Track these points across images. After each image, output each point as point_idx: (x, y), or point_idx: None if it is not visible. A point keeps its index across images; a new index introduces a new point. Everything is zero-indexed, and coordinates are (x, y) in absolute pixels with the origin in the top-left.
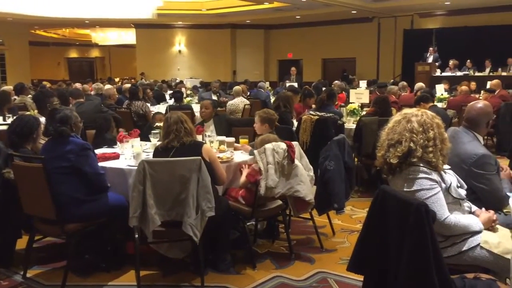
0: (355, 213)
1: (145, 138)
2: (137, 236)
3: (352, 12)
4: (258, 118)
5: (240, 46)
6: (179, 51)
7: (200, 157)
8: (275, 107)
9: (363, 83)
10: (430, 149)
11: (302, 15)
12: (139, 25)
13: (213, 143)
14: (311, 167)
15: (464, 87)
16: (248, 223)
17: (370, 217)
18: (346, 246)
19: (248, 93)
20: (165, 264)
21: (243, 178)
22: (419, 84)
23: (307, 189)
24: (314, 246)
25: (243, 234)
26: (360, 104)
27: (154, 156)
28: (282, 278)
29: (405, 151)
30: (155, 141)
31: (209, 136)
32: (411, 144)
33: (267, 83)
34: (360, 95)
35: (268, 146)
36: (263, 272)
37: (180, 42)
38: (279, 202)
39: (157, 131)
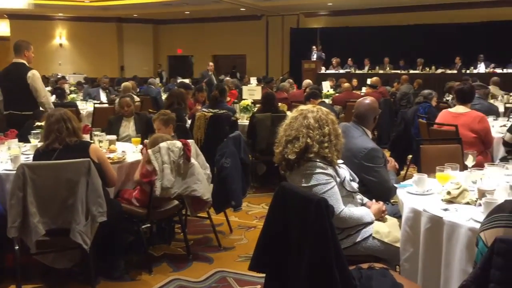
0: (251, 209)
1: (24, 139)
2: (17, 247)
3: (241, 9)
4: (160, 122)
5: (128, 41)
6: (60, 45)
7: (89, 159)
8: (169, 104)
9: (253, 80)
10: (326, 144)
11: (191, 10)
12: (13, 16)
13: (102, 142)
14: (208, 165)
15: (346, 84)
16: (143, 226)
17: (271, 214)
18: (244, 243)
19: (138, 90)
20: (51, 275)
21: (136, 177)
22: (307, 81)
23: (204, 188)
24: (212, 245)
25: (138, 238)
26: (252, 101)
27: (34, 159)
28: (180, 281)
29: (303, 147)
30: (35, 142)
31: (97, 135)
32: (308, 140)
33: (157, 79)
34: (252, 91)
35: (163, 145)
36: (160, 276)
37: (61, 35)
38: (176, 202)
39: (37, 131)
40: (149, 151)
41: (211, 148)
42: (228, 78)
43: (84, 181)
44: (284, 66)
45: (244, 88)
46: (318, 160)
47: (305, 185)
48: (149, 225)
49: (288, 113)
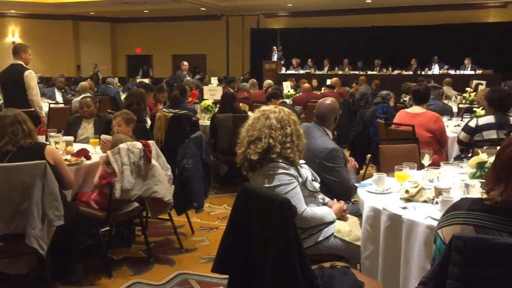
0: (213, 210)
1: None
2: None
3: (201, 9)
4: (123, 119)
5: (84, 40)
6: (13, 43)
7: (44, 161)
8: (128, 104)
9: (214, 80)
10: (288, 145)
11: (150, 9)
12: None
13: (58, 144)
14: (169, 166)
15: (306, 85)
16: (102, 229)
17: (234, 215)
18: (206, 244)
19: (96, 89)
20: (4, 281)
21: (95, 179)
22: (268, 81)
23: (165, 189)
24: (174, 247)
25: (97, 241)
26: (214, 101)
27: None
28: (141, 284)
29: (265, 148)
30: None
31: (53, 136)
32: (270, 140)
33: (116, 79)
34: (213, 91)
35: (123, 146)
36: (120, 280)
37: (14, 33)
38: (136, 204)
39: None
40: (108, 152)
41: (172, 149)
42: (189, 78)
43: (39, 184)
44: (245, 66)
45: (205, 88)
46: (280, 161)
47: (268, 185)
48: (108, 228)
49: (250, 113)
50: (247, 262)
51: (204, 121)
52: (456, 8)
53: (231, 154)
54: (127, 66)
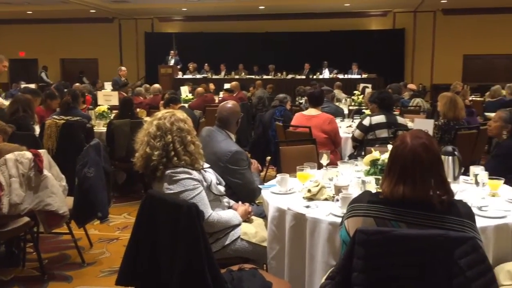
0: (113, 220)
1: None
2: None
3: (91, 11)
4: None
5: None
6: None
7: None
8: (13, 111)
9: (108, 85)
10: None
11: (34, 10)
12: None
13: None
14: (63, 176)
15: (199, 89)
16: None
17: (138, 224)
18: (107, 256)
19: None
20: None
21: None
22: (156, 86)
23: (59, 201)
24: (71, 262)
25: None
26: (109, 106)
27: None
28: None
29: (164, 154)
30: None
31: None
32: (170, 146)
33: None
34: (109, 97)
35: (10, 156)
36: None
37: None
38: (26, 219)
39: None
40: None
41: (66, 157)
42: (77, 84)
43: None
44: (140, 71)
45: (99, 93)
46: (184, 166)
47: (172, 191)
48: None
49: (147, 118)
50: (153, 270)
51: (100, 127)
52: (342, 16)
53: (129, 161)
54: (9, 71)
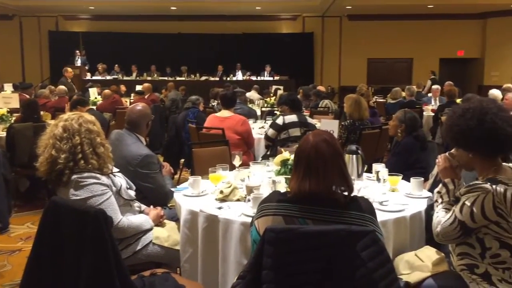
0: (15, 231)
1: None
2: None
3: None
4: None
5: None
6: None
7: None
8: None
9: (8, 86)
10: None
11: None
12: None
13: None
14: None
15: (106, 91)
16: None
17: (41, 233)
18: (8, 269)
19: None
20: None
21: None
22: (61, 87)
23: None
24: None
25: None
26: (9, 109)
27: None
28: None
29: (71, 157)
30: None
31: None
32: (78, 148)
33: None
34: (8, 99)
35: None
36: None
37: None
38: None
39: None
40: None
41: None
42: None
43: None
44: (44, 71)
45: None
46: (91, 170)
47: (79, 197)
48: None
49: (51, 122)
50: (58, 282)
51: None
52: (254, 19)
53: (33, 168)
54: None
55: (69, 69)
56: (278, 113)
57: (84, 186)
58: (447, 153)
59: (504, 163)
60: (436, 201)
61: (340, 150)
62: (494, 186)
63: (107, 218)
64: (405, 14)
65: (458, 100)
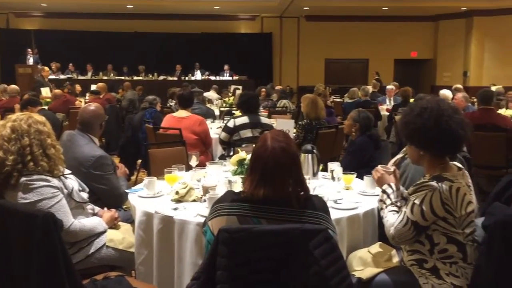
0: None
1: None
2: None
3: None
4: None
5: None
6: None
7: None
8: None
9: None
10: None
11: None
12: None
13: None
14: None
15: (57, 91)
16: None
17: None
18: None
19: None
20: None
21: None
22: (12, 87)
23: None
24: None
25: None
26: None
27: None
28: None
29: (19, 159)
30: None
31: None
32: (27, 149)
33: None
34: None
35: None
36: None
37: None
38: None
39: None
40: None
41: None
42: None
43: None
44: None
45: None
46: (40, 173)
47: (28, 201)
48: None
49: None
50: (7, 286)
51: None
52: (213, 18)
53: None
54: None
55: (46, 68)
56: (236, 113)
57: (33, 189)
58: (379, 166)
59: (450, 162)
60: (381, 208)
61: (297, 158)
62: (440, 184)
63: (57, 221)
64: (361, 15)
65: (412, 100)
